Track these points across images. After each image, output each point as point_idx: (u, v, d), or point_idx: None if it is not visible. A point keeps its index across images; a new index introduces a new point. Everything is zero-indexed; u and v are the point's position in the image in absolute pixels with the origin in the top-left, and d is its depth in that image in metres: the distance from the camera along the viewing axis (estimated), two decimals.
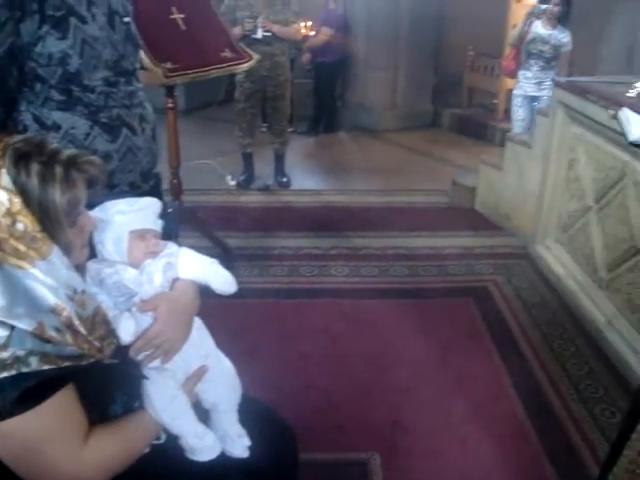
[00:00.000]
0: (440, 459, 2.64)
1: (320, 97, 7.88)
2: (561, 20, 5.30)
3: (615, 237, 3.52)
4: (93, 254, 1.49)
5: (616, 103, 3.47)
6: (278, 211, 5.25)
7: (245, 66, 4.06)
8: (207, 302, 1.60)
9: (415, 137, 7.79)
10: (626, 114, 1.56)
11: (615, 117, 1.58)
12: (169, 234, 1.66)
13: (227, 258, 4.15)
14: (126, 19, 2.23)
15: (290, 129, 7.58)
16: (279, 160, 5.91)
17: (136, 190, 2.07)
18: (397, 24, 7.79)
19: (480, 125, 7.89)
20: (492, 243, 4.76)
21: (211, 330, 1.64)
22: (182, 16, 3.85)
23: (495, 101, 7.87)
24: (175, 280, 1.51)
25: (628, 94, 3.60)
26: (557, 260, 4.21)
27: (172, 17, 3.82)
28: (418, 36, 7.90)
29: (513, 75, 5.69)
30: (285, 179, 5.85)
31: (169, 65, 3.51)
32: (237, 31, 5.02)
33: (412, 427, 2.80)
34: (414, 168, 6.53)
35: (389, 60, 7.95)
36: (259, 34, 5.17)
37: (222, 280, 1.55)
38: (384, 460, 2.60)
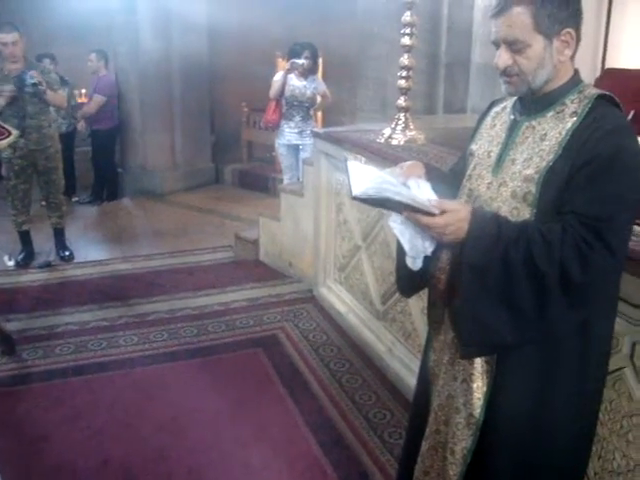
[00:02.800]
0: None
1: (99, 165, 7.70)
2: (310, 72, 5.77)
3: (383, 271, 3.82)
4: None
5: (366, 150, 3.81)
6: (61, 287, 5.06)
7: (4, 142, 3.93)
8: None
9: (199, 196, 7.92)
10: (350, 168, 1.71)
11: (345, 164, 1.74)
12: None
13: (7, 344, 3.95)
14: None
15: (75, 198, 7.46)
16: (59, 234, 5.69)
17: None
18: (170, 86, 7.95)
19: (261, 178, 8.21)
20: (278, 291, 4.93)
21: None
22: None
23: (273, 153, 8.16)
24: None
25: (378, 140, 3.97)
26: (338, 299, 4.47)
27: None
28: (191, 96, 8.12)
29: (276, 127, 6.00)
30: (67, 252, 5.65)
31: None
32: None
33: None
34: (200, 227, 6.63)
35: (165, 122, 8.05)
36: (33, 80, 4.93)
37: None
38: None
